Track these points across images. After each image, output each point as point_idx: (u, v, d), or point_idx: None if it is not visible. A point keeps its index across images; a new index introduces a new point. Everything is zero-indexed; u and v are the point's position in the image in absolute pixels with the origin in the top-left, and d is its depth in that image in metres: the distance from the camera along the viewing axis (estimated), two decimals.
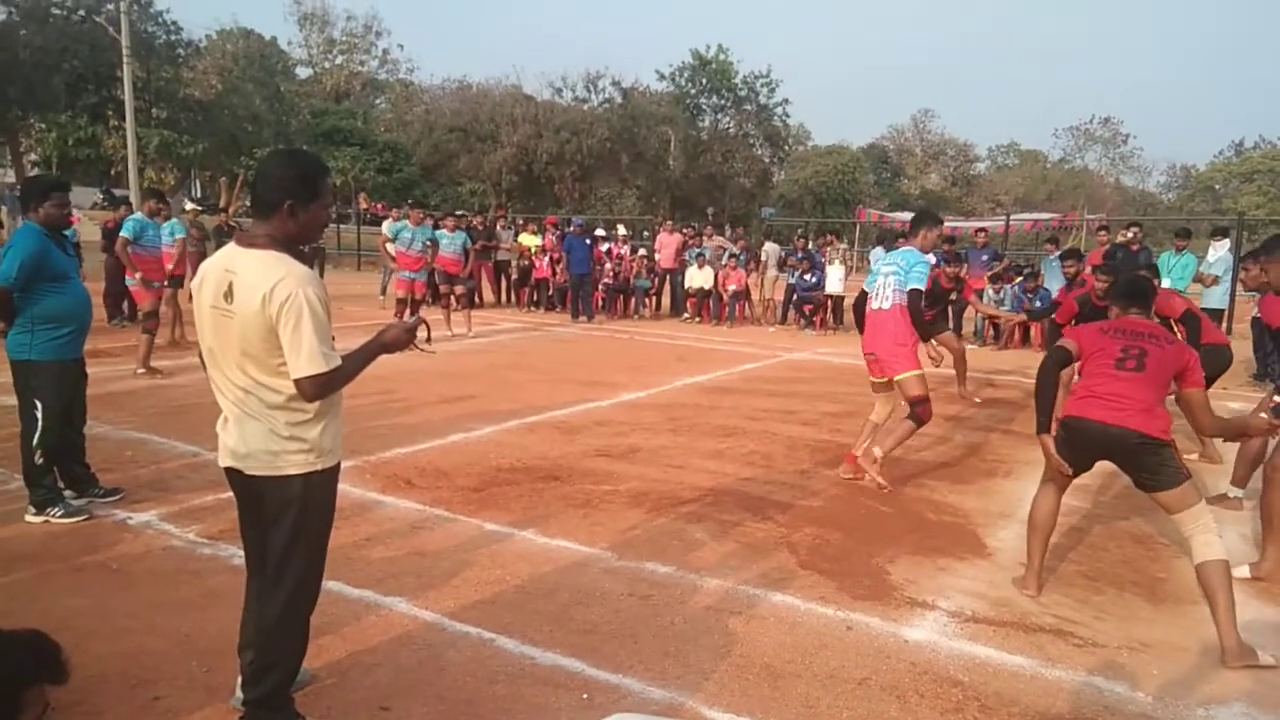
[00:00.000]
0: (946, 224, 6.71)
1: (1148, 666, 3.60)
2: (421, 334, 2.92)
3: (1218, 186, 59.08)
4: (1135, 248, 12.27)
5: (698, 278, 16.38)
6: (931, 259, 6.32)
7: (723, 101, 49.52)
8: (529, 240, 17.72)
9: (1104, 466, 6.74)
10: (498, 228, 18.42)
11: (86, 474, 5.08)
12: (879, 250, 15.40)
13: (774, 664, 3.47)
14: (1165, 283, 11.52)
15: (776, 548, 4.76)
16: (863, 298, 6.13)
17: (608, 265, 17.05)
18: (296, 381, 2.53)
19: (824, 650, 3.60)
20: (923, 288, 5.66)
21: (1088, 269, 9.73)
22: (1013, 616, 4.02)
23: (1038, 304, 12.92)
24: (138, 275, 9.20)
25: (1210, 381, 6.70)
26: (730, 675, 3.36)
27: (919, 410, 5.72)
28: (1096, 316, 7.35)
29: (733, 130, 50.27)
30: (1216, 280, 12.12)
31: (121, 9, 27.45)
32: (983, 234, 16.29)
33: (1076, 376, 4.22)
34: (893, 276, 5.76)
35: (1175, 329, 6.70)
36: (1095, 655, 3.69)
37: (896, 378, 5.75)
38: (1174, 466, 3.83)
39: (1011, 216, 31.00)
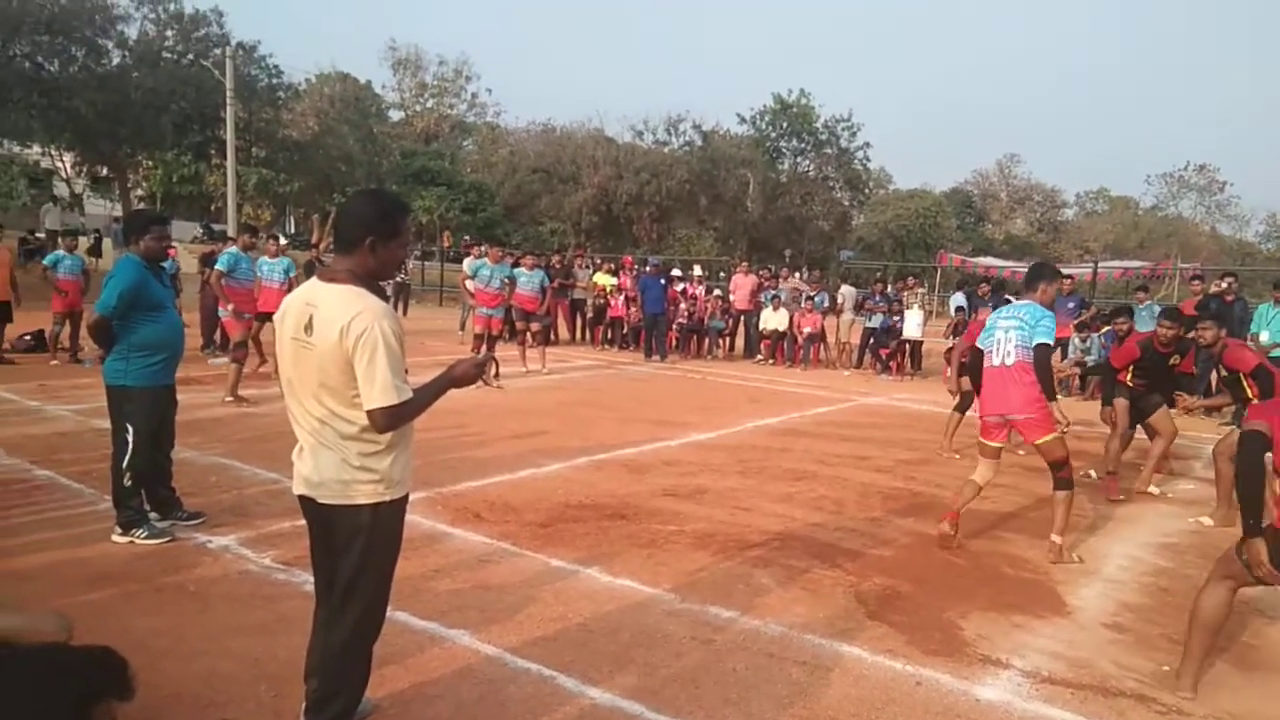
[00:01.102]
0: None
1: None
2: (490, 370, 2.98)
3: None
4: (1230, 298, 11.82)
5: (772, 319, 16.30)
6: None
7: (803, 145, 49.53)
8: (604, 279, 17.92)
9: (1182, 525, 6.47)
10: (575, 266, 18.67)
11: (171, 497, 5.26)
12: (959, 295, 15.13)
13: (838, 718, 3.38)
14: (1264, 336, 11.07)
15: (845, 597, 4.65)
16: (978, 355, 5.70)
17: (682, 305, 17.12)
18: (369, 412, 2.60)
19: (891, 706, 3.50)
20: (1050, 342, 5.26)
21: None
22: (1092, 679, 3.85)
23: None
24: (230, 306, 9.60)
25: None
26: None
27: (1063, 474, 5.38)
28: (1157, 363, 7.06)
29: (812, 173, 50.20)
30: None
31: (228, 54, 29.05)
32: (1069, 281, 15.87)
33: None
34: (1014, 331, 5.34)
35: (1247, 384, 6.40)
36: None
37: (1038, 442, 5.37)
38: None
39: (1100, 264, 30.15)
